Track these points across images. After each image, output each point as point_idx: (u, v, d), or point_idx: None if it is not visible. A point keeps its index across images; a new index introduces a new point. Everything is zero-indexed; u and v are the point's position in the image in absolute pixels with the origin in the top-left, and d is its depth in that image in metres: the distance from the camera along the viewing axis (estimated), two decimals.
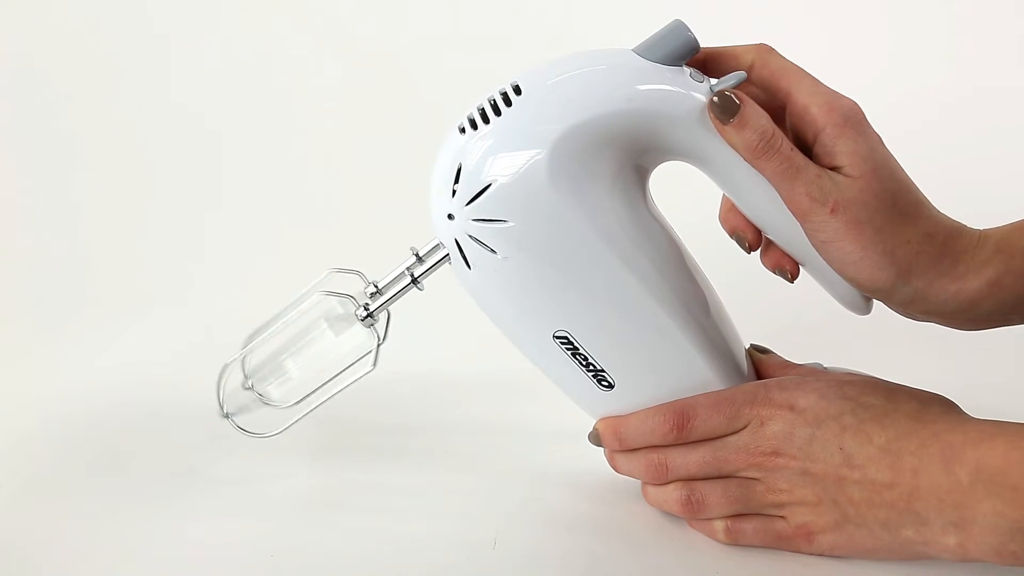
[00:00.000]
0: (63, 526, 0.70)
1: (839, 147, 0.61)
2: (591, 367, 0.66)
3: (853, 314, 0.69)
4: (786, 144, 0.61)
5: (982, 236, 0.64)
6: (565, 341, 0.65)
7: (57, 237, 1.20)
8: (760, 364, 0.71)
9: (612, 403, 0.68)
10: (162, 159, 1.27)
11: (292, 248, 1.18)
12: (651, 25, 0.63)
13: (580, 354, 0.66)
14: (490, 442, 0.81)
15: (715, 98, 0.61)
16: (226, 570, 0.65)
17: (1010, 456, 0.55)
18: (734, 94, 0.61)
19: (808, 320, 0.89)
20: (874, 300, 0.68)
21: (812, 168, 0.61)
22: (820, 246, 0.63)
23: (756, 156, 0.61)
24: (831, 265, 0.64)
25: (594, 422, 0.70)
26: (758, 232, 0.67)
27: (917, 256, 0.62)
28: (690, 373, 0.67)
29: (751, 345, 0.73)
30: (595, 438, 0.70)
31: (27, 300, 1.13)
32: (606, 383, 0.67)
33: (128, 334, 1.04)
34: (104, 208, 1.23)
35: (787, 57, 0.64)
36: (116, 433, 0.84)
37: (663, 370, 0.67)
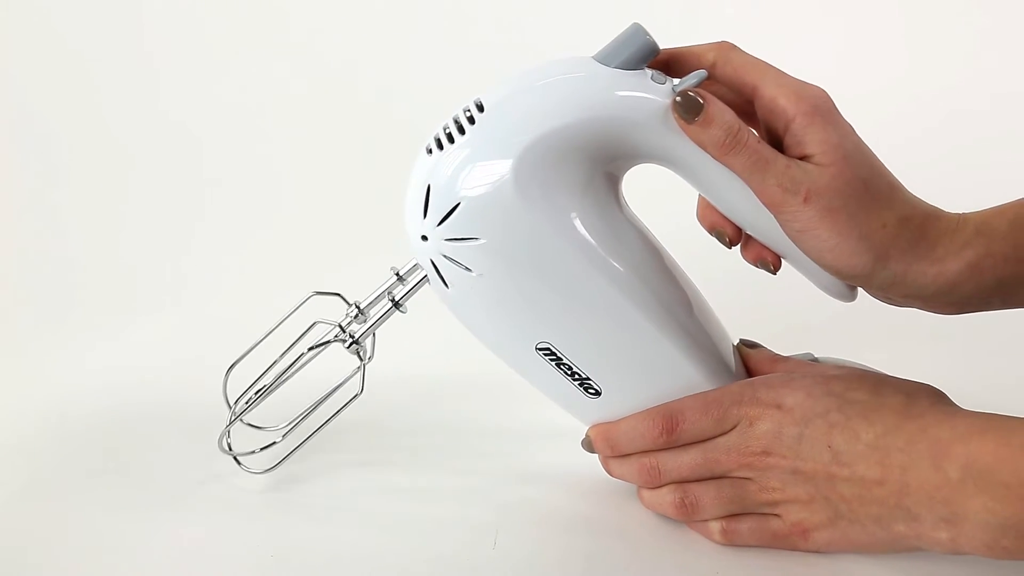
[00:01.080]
0: (63, 527, 0.70)
1: (809, 136, 0.60)
2: (576, 376, 0.66)
3: (841, 303, 0.68)
4: (753, 138, 0.60)
5: (961, 219, 0.63)
6: (548, 352, 0.65)
7: (53, 240, 1.20)
8: (749, 359, 0.71)
9: (601, 409, 0.68)
10: (155, 162, 1.26)
11: (287, 248, 1.18)
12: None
13: (564, 364, 0.65)
14: (490, 442, 0.81)
15: (678, 98, 0.60)
16: (226, 570, 0.65)
17: (1000, 453, 0.54)
18: (697, 93, 0.60)
19: (797, 311, 0.88)
20: (858, 290, 0.67)
21: (781, 159, 0.60)
22: (796, 236, 0.62)
23: (724, 152, 0.60)
24: (808, 254, 0.63)
25: (586, 428, 0.70)
26: (737, 227, 0.66)
27: (894, 240, 0.61)
28: (676, 375, 0.66)
29: (740, 341, 0.72)
30: (587, 445, 0.70)
31: (25, 301, 1.13)
32: (593, 391, 0.67)
33: (127, 336, 1.04)
34: (102, 209, 1.23)
35: (750, 52, 0.63)
36: (116, 434, 0.84)
37: (648, 374, 0.66)
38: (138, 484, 0.76)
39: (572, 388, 0.67)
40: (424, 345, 0.79)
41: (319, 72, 1.30)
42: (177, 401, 0.88)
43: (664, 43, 0.63)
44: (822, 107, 0.61)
